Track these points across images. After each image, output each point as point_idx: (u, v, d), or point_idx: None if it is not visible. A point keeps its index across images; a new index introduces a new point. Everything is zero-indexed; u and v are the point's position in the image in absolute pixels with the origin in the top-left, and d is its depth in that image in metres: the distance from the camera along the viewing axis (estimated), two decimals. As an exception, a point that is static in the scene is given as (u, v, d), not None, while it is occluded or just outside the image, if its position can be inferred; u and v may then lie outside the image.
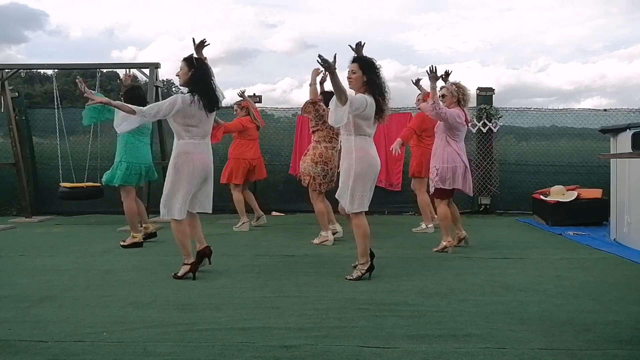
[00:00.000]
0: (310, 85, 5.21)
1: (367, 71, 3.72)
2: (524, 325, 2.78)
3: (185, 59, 3.90)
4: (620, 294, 3.44)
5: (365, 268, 3.77)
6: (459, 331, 2.71)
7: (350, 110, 3.54)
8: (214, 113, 4.03)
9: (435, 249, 4.82)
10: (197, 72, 3.86)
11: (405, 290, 3.48)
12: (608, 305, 3.16)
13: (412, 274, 3.95)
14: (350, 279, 3.75)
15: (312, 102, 5.19)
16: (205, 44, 4.01)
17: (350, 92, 3.65)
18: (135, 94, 5.21)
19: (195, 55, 3.93)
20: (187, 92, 3.84)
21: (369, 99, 3.66)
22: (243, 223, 6.29)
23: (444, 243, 4.79)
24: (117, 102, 3.96)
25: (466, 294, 3.40)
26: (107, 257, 4.76)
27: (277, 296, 3.38)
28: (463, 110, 4.79)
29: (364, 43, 3.83)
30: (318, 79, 5.27)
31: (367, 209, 3.79)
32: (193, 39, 3.94)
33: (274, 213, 7.80)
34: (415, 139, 5.90)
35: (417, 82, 5.51)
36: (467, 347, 2.48)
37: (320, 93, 5.28)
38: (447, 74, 4.91)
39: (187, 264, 3.89)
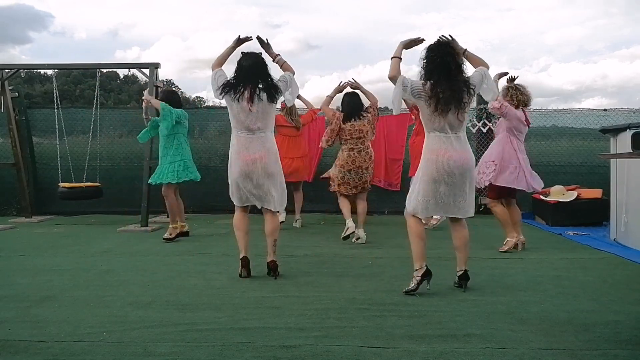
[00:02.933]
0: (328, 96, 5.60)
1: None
2: (524, 325, 2.79)
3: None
4: (620, 294, 3.44)
5: (419, 275, 3.43)
6: (459, 331, 2.71)
7: (401, 89, 3.38)
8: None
9: (501, 249, 4.93)
10: None
11: (405, 290, 3.48)
12: (608, 305, 3.16)
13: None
14: (406, 291, 3.42)
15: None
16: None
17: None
18: (172, 98, 5.71)
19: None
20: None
21: (414, 81, 3.42)
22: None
23: (513, 240, 4.91)
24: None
25: (466, 294, 3.40)
26: (107, 257, 4.76)
27: (277, 296, 3.38)
28: (524, 111, 4.94)
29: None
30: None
31: (425, 215, 3.50)
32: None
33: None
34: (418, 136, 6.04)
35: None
36: (467, 347, 2.48)
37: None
38: (512, 79, 5.04)
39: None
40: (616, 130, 5.50)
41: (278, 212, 3.98)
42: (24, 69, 7.96)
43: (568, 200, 6.63)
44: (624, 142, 5.21)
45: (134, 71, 7.56)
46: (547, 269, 4.15)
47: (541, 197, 6.93)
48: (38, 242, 5.64)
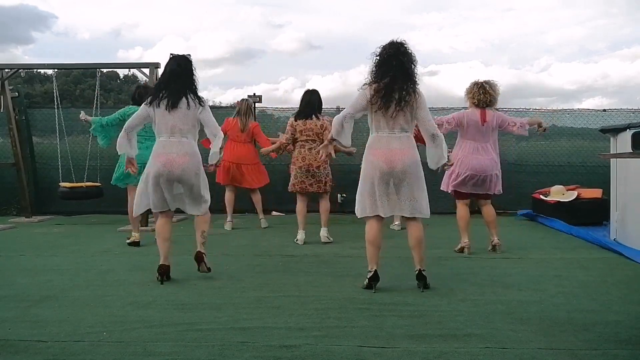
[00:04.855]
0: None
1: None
2: (524, 325, 2.79)
3: None
4: (620, 293, 3.44)
5: (367, 276, 3.51)
6: (459, 331, 2.71)
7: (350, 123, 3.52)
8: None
9: (455, 249, 4.90)
10: None
11: (405, 290, 3.49)
12: (608, 305, 3.16)
13: (412, 274, 3.94)
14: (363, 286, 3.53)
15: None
16: None
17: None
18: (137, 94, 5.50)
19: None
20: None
21: (360, 92, 3.48)
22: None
23: (461, 244, 4.84)
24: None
25: (466, 294, 3.40)
26: (107, 257, 4.76)
27: (277, 296, 3.38)
28: (485, 110, 4.70)
29: None
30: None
31: (365, 215, 3.48)
32: None
33: (273, 213, 7.80)
34: None
35: None
36: (467, 347, 2.48)
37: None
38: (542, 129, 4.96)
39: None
40: (616, 130, 5.49)
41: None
42: (24, 69, 7.97)
43: (568, 200, 6.63)
44: (624, 142, 5.20)
45: (134, 71, 7.56)
46: (547, 269, 4.15)
47: (541, 197, 6.93)
48: (38, 242, 5.64)
